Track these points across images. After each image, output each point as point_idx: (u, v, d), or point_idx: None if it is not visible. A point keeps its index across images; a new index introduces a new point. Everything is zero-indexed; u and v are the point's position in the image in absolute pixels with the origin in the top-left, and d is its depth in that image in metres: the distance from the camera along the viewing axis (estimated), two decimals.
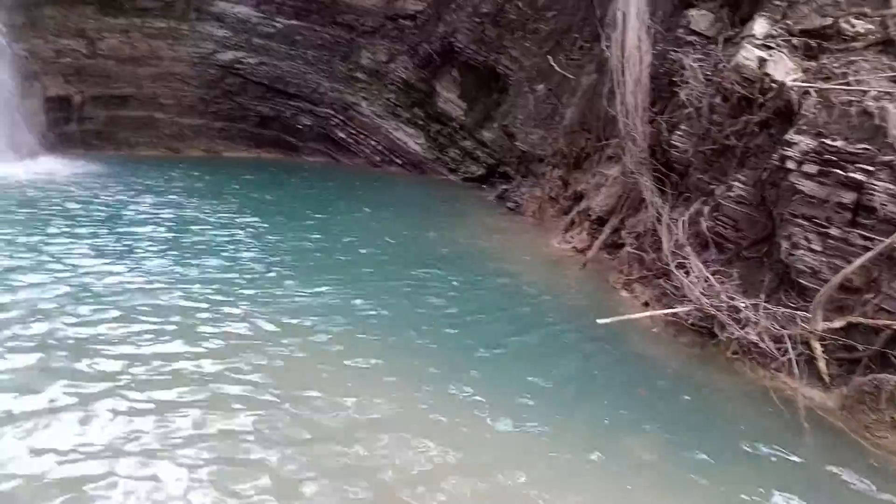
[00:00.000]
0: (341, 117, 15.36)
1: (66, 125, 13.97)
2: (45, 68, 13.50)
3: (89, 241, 7.33)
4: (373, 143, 15.19)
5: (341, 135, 15.40)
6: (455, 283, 7.15)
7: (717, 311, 6.02)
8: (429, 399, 4.48)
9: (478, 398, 4.56)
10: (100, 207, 9.22)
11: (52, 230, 7.68)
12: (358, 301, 6.16)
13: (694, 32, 8.89)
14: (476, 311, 6.31)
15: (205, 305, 5.69)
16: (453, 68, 14.36)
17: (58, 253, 6.75)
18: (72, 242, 7.24)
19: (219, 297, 5.92)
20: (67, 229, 7.80)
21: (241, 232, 8.41)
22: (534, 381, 4.94)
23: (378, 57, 14.96)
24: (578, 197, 10.15)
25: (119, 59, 14.18)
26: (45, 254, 6.68)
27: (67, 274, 6.14)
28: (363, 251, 8.08)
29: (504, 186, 12.77)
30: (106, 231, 7.90)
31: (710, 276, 6.46)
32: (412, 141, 14.97)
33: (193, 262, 6.89)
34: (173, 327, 5.15)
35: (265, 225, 8.94)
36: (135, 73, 14.43)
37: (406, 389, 4.56)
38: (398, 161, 15.12)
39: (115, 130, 14.58)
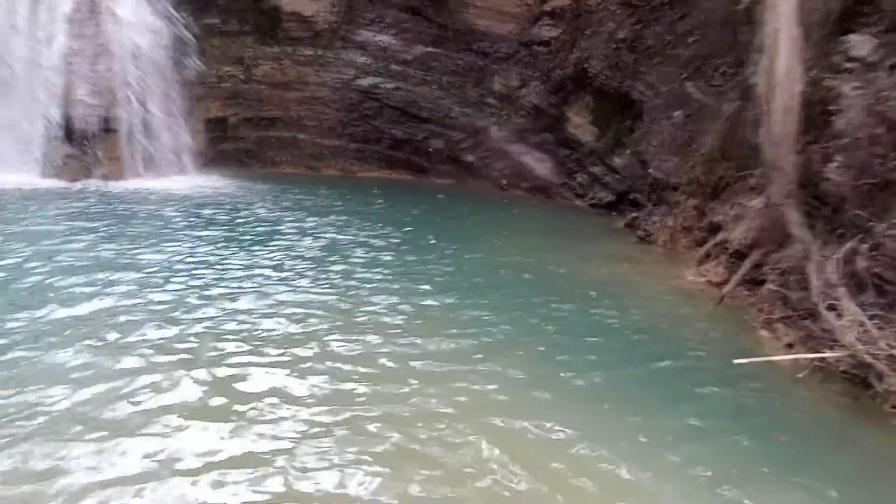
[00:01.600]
0: (471, 141, 15.68)
1: (221, 143, 15.34)
2: (208, 92, 14.93)
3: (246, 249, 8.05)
4: (500, 166, 15.37)
5: (470, 158, 15.71)
6: (583, 313, 6.99)
7: (875, 359, 5.50)
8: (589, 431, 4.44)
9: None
10: (250, 217, 10.02)
11: (207, 236, 8.49)
12: (506, 333, 6.12)
13: (853, 59, 8.27)
14: (605, 346, 6.10)
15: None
16: (586, 94, 14.25)
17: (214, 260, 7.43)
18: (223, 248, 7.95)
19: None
20: (222, 238, 8.55)
21: (378, 251, 8.74)
22: (671, 422, 4.71)
23: (510, 82, 15.16)
24: (715, 228, 9.68)
25: (270, 84, 15.40)
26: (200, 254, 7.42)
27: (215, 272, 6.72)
28: (496, 278, 7.95)
29: (634, 214, 12.42)
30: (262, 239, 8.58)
31: (867, 321, 5.92)
32: (540, 165, 14.99)
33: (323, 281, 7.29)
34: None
35: (395, 244, 9.23)
36: (283, 97, 15.60)
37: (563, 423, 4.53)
38: (524, 185, 15.18)
39: (262, 149, 15.82)
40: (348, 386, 4.70)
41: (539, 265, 8.77)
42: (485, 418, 4.41)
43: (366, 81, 15.69)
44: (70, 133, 12.58)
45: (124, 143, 13.01)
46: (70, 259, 7.10)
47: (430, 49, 15.56)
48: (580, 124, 14.39)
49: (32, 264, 6.79)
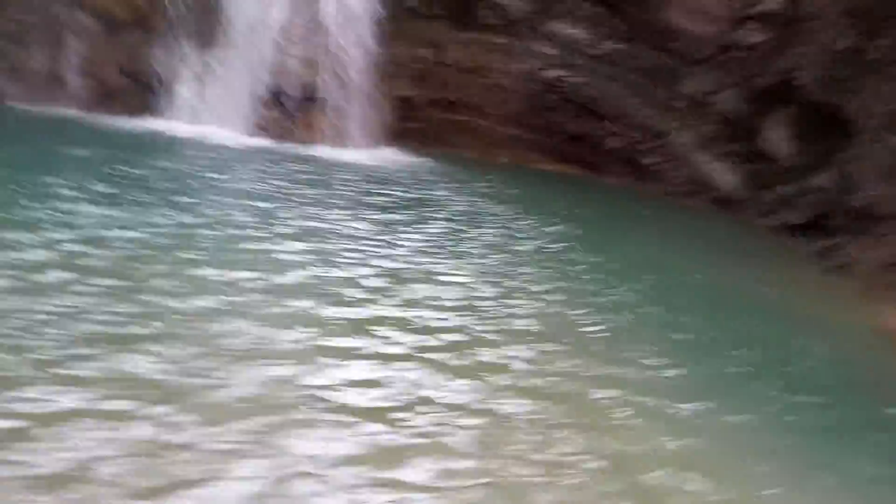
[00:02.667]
0: (651, 143, 15.15)
1: (406, 122, 16.01)
2: (399, 71, 15.60)
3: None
4: (680, 173, 14.73)
5: (647, 161, 15.20)
6: (782, 352, 6.25)
7: None
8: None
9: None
10: (421, 196, 10.43)
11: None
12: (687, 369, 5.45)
13: None
14: (802, 393, 5.30)
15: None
16: (788, 106, 13.22)
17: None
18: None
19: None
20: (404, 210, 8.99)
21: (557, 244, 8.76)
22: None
23: (703, 87, 14.42)
24: None
25: (458, 69, 15.81)
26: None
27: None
28: (674, 303, 7.12)
29: (828, 241, 11.40)
30: (438, 218, 8.91)
31: None
32: (723, 177, 14.17)
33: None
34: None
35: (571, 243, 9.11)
36: (468, 82, 15.94)
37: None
38: (703, 196, 14.43)
39: (442, 131, 16.30)
40: None
41: (723, 287, 8.24)
42: None
43: (551, 73, 15.63)
44: (277, 97, 13.71)
45: (322, 113, 13.98)
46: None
47: (620, 45, 15.17)
48: (777, 138, 13.40)
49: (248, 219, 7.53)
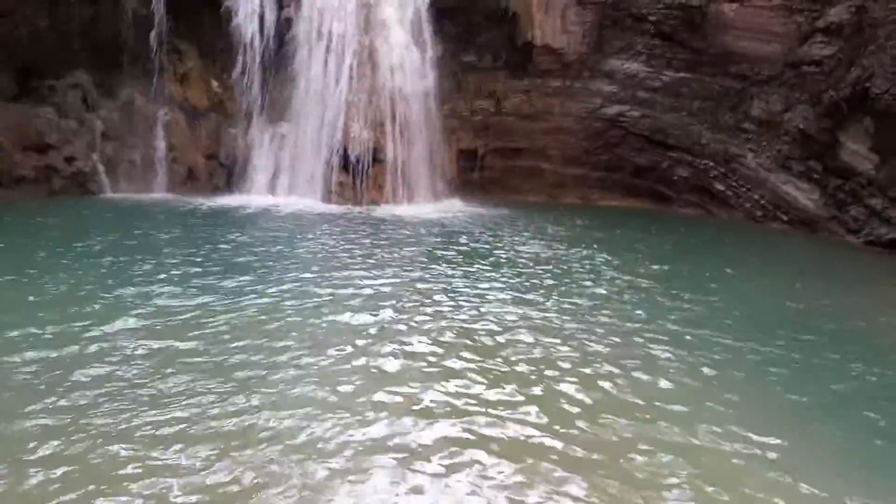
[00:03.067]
0: (722, 169, 14.76)
1: (470, 173, 16.37)
2: (461, 124, 16.05)
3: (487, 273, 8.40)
4: (755, 196, 14.22)
5: (720, 187, 14.79)
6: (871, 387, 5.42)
7: None
8: None
9: None
10: (498, 244, 10.44)
11: (452, 256, 9.03)
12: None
13: None
14: None
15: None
16: (865, 116, 12.61)
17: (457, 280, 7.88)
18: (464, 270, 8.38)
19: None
20: (467, 259, 9.05)
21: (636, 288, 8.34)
22: None
23: (772, 106, 13.99)
24: None
25: (518, 116, 16.08)
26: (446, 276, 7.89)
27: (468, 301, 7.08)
28: (770, 335, 6.44)
29: None
30: (505, 267, 8.91)
31: None
32: (803, 196, 13.56)
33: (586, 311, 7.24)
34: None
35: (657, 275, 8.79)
36: (529, 128, 16.17)
37: None
38: (783, 217, 13.84)
39: (507, 178, 16.54)
40: None
41: (821, 315, 7.65)
42: None
43: (612, 110, 15.63)
44: (345, 163, 14.33)
45: (388, 173, 14.49)
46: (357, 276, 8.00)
47: (681, 75, 15.03)
48: (856, 151, 12.76)
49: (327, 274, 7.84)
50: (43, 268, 7.44)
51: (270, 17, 14.16)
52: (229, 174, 14.53)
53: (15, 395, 4.34)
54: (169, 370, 4.81)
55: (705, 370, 5.43)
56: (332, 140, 14.31)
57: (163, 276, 7.33)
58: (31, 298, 6.28)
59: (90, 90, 13.66)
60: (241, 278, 7.40)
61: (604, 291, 7.77)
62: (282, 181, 14.50)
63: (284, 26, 14.23)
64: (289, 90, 14.49)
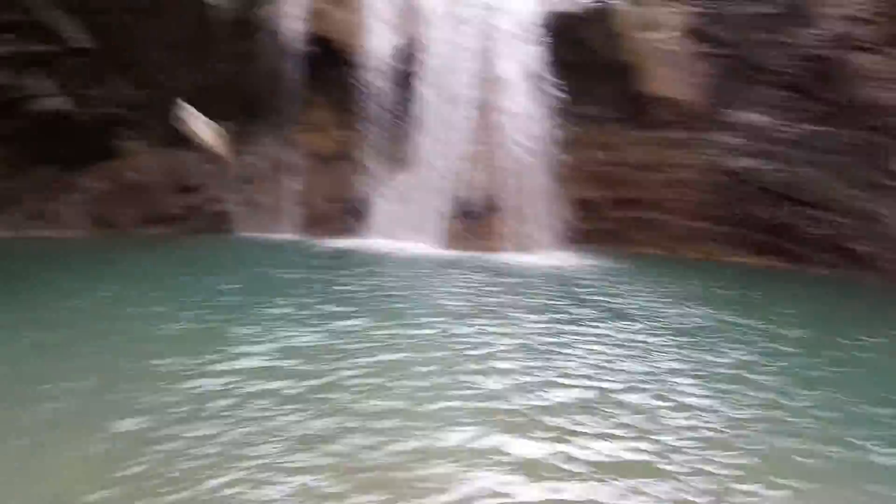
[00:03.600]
0: (860, 227, 13.72)
1: (587, 223, 16.14)
2: (577, 174, 15.96)
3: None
4: None
5: (860, 248, 13.71)
6: None
7: None
8: None
9: None
10: (626, 301, 10.15)
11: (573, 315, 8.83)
12: None
13: None
14: None
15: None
16: None
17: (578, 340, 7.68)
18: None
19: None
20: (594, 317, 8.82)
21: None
22: None
23: None
24: None
25: (636, 167, 15.81)
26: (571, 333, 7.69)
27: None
28: None
29: None
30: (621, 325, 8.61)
31: None
32: None
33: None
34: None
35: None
36: (647, 179, 15.82)
37: None
38: None
39: (623, 229, 16.18)
40: None
41: None
42: None
43: (737, 163, 15.02)
44: (463, 209, 14.62)
45: (506, 220, 14.63)
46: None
47: (813, 127, 14.24)
48: None
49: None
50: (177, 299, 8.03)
51: (396, 72, 14.91)
52: (352, 218, 15.21)
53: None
54: (310, 411, 4.96)
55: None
56: (451, 188, 14.70)
57: (291, 313, 7.70)
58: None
59: (231, 137, 14.88)
60: (368, 319, 7.64)
61: (772, 368, 6.81)
62: (401, 226, 14.99)
63: (409, 80, 14.93)
64: (411, 139, 15.11)
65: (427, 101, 15.00)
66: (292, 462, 4.12)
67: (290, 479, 3.92)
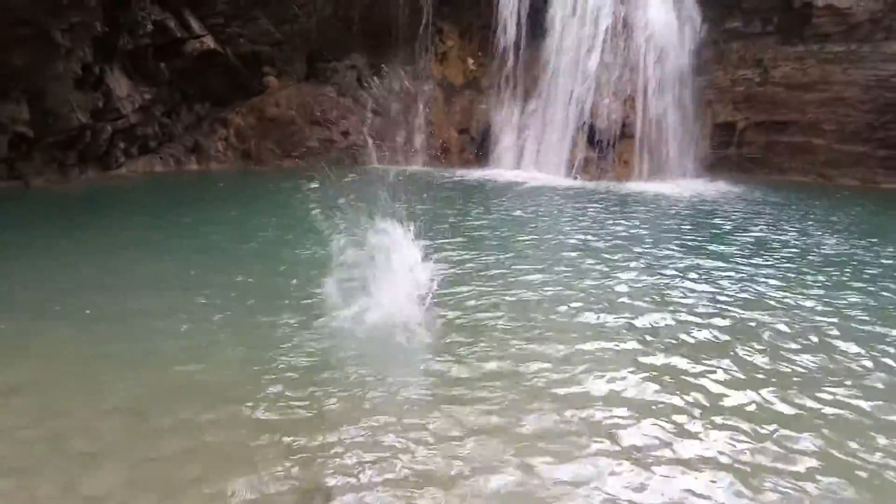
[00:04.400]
0: None
1: (726, 149, 15.19)
2: (720, 97, 14.92)
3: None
4: None
5: None
6: None
7: None
8: None
9: None
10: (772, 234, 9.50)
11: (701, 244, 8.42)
12: None
13: None
14: None
15: None
16: None
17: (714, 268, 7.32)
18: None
19: None
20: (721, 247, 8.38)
21: None
22: None
23: None
24: None
25: (788, 86, 14.48)
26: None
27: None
28: None
29: None
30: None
31: None
32: None
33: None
34: None
35: None
36: (800, 100, 14.49)
37: None
38: None
39: (770, 156, 15.05)
40: None
41: None
42: None
43: None
44: (592, 138, 14.15)
45: (637, 148, 14.03)
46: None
47: None
48: None
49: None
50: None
51: None
52: (479, 148, 15.20)
53: None
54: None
55: None
56: (579, 115, 14.21)
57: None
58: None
59: (364, 71, 15.18)
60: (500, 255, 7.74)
61: None
62: (528, 156, 14.81)
63: (541, 2, 14.35)
64: (540, 66, 14.67)
65: (559, 25, 14.39)
66: None
67: None
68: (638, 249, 8.03)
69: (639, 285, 6.53)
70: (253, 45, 14.00)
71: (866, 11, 13.40)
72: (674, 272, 7.07)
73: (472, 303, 5.81)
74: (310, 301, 5.60)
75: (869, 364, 4.83)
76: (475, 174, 14.26)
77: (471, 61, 15.33)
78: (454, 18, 15.14)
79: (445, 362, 4.58)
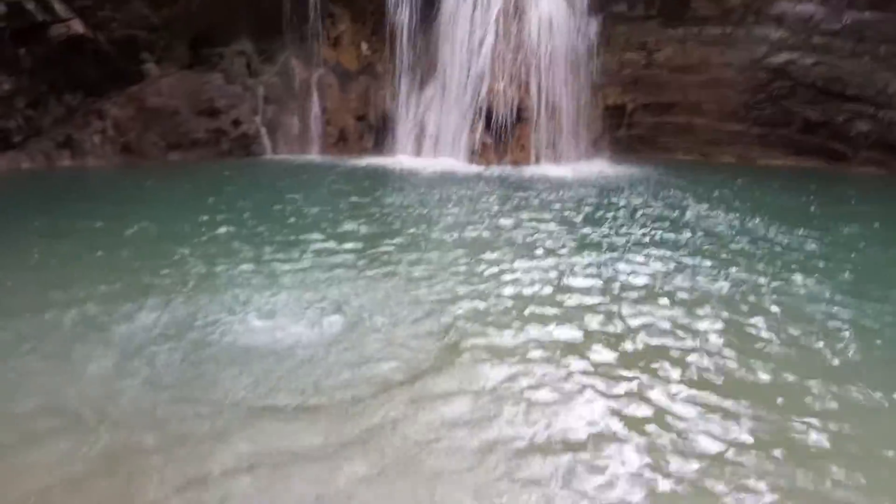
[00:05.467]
0: None
1: (616, 131, 15.69)
2: (609, 80, 15.35)
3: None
4: None
5: None
6: None
7: None
8: None
9: None
10: (662, 211, 9.92)
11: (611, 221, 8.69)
12: None
13: None
14: None
15: None
16: None
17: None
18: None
19: None
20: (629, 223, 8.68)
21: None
22: None
23: None
24: None
25: (671, 69, 15.11)
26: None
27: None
28: None
29: None
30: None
31: None
32: None
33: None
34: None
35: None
36: (682, 81, 15.15)
37: None
38: None
39: (657, 136, 15.68)
40: None
41: None
42: None
43: (779, 58, 14.24)
44: (489, 122, 14.21)
45: (532, 132, 14.22)
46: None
47: (865, 15, 13.35)
48: None
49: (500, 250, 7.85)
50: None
51: None
52: (378, 135, 14.94)
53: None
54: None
55: None
56: (475, 99, 14.22)
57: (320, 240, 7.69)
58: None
59: (253, 57, 14.51)
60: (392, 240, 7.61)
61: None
62: (427, 141, 14.69)
63: None
64: (434, 51, 14.55)
65: (451, 8, 14.30)
66: None
67: None
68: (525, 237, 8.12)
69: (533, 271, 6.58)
70: (128, 30, 13.03)
71: None
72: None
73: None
74: None
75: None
76: (374, 162, 14.01)
77: (365, 46, 14.98)
78: (346, 2, 14.73)
79: None
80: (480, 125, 14.24)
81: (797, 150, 14.88)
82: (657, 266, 6.63)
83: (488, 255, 6.89)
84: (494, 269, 6.39)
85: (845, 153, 14.26)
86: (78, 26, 12.28)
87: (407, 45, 14.62)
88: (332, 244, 7.20)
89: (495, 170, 13.56)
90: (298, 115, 14.69)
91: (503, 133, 14.19)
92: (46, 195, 10.12)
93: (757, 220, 8.97)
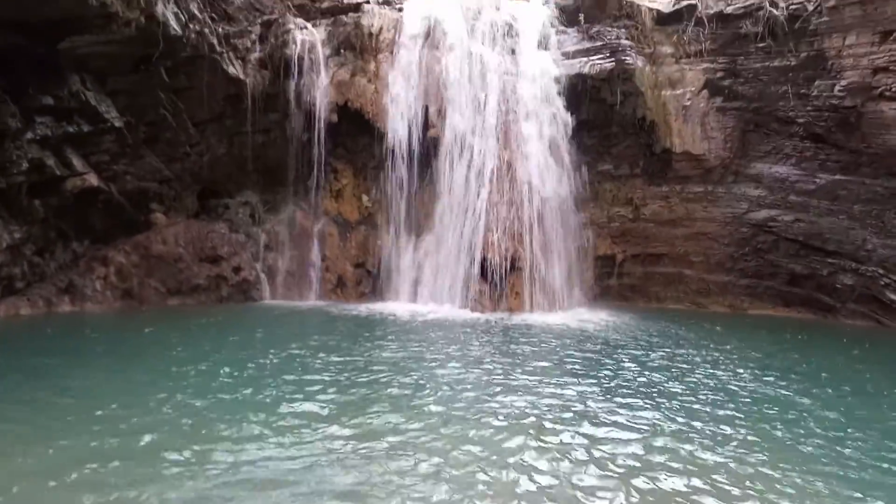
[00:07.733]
0: (894, 277, 13.47)
1: (608, 280, 16.11)
2: (598, 232, 16.00)
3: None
4: None
5: (894, 297, 13.44)
6: None
7: None
8: None
9: None
10: (658, 363, 9.93)
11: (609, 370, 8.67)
12: None
13: None
14: None
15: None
16: None
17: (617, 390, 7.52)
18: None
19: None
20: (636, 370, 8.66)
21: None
22: None
23: None
24: None
25: (657, 222, 15.81)
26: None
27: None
28: None
29: None
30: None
31: None
32: None
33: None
34: None
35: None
36: (670, 234, 15.80)
37: None
38: None
39: (647, 285, 16.09)
40: None
41: None
42: None
43: (759, 214, 14.97)
44: (485, 271, 14.59)
45: (526, 281, 14.56)
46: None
47: (837, 177, 14.17)
48: None
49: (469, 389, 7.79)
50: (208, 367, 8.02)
51: (418, 137, 15.17)
52: (375, 282, 15.27)
53: None
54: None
55: None
56: (471, 250, 14.71)
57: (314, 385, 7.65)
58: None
59: (258, 207, 15.18)
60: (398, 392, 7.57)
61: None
62: (423, 289, 15.00)
63: (430, 144, 15.17)
64: (432, 203, 15.27)
65: (448, 165, 15.18)
66: None
67: None
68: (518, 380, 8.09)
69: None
70: (140, 182, 13.72)
71: (717, 157, 15.11)
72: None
73: None
74: None
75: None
76: (372, 308, 14.19)
77: (365, 198, 15.73)
78: (348, 159, 15.67)
79: None
80: (476, 274, 14.62)
81: (785, 301, 15.22)
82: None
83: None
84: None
85: (833, 305, 14.56)
86: (93, 179, 12.92)
87: (406, 198, 15.35)
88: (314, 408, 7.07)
89: (490, 316, 13.71)
90: (298, 262, 15.09)
91: (499, 281, 14.54)
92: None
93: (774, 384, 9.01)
